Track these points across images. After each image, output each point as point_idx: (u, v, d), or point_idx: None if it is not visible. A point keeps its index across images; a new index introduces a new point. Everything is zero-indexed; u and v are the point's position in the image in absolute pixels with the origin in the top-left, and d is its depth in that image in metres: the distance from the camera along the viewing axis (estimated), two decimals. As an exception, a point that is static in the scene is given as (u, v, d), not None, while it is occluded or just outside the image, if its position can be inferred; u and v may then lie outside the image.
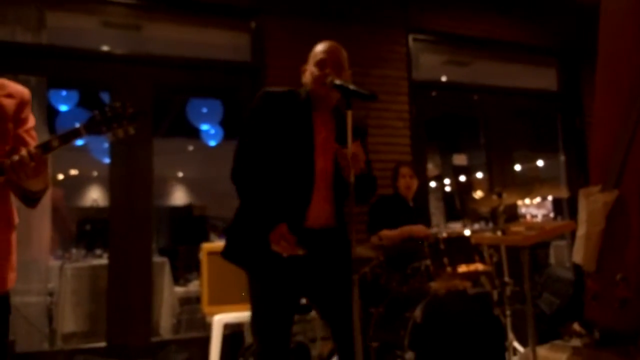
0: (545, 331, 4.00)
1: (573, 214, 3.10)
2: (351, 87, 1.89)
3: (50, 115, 5.29)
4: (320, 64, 2.05)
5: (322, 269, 2.01)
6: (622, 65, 2.82)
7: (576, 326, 3.91)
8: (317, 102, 2.08)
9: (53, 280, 4.90)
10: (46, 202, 3.97)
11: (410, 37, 5.01)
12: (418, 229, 3.59)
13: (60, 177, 9.78)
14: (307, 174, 1.99)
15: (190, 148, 10.72)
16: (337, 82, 1.92)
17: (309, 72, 2.09)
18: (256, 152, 1.99)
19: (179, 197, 12.15)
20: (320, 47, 2.11)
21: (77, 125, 1.74)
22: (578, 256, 2.78)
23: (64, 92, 6.23)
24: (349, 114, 1.83)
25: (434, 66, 5.91)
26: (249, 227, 1.98)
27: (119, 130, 1.80)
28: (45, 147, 1.70)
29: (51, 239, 4.19)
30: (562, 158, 6.00)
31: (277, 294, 1.99)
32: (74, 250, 5.34)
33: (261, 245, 1.90)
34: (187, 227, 10.62)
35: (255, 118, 2.04)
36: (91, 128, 1.77)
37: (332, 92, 1.99)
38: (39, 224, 3.93)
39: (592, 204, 2.69)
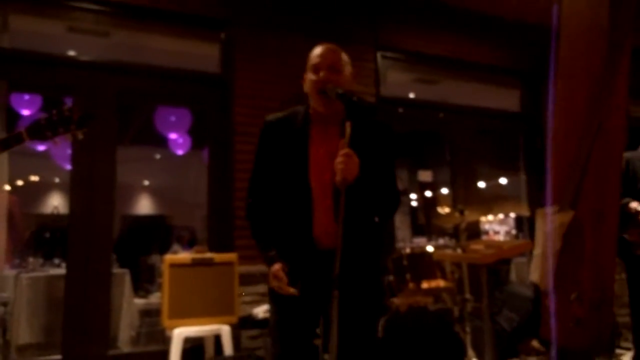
0: (505, 348, 4.05)
1: (533, 231, 3.18)
2: (354, 98, 1.80)
3: (11, 119, 5.16)
4: (314, 68, 1.96)
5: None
6: (577, 89, 2.92)
7: (535, 343, 3.99)
8: (319, 116, 1.99)
9: (8, 290, 4.75)
10: (1, 210, 3.86)
11: (379, 55, 5.08)
12: None
13: (20, 183, 9.50)
14: (304, 195, 1.92)
15: (158, 156, 10.56)
16: (340, 91, 1.82)
17: (307, 79, 1.99)
18: (261, 187, 2.02)
19: (145, 205, 11.94)
20: (315, 51, 2.01)
21: (20, 129, 1.68)
22: (535, 275, 2.84)
23: (26, 96, 6.08)
24: (348, 125, 1.78)
25: (402, 83, 6.00)
26: (265, 260, 1.95)
27: (67, 136, 1.74)
28: None
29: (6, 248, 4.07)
30: (524, 177, 6.15)
31: (295, 316, 1.93)
32: (30, 259, 5.18)
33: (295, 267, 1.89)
34: (151, 237, 10.45)
35: (258, 152, 2.05)
36: (35, 133, 1.70)
37: (334, 101, 1.85)
38: (-7, 232, 3.82)
39: (549, 224, 2.76)
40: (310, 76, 1.97)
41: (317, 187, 1.92)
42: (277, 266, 1.86)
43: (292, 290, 1.83)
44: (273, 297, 1.97)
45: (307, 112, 2.03)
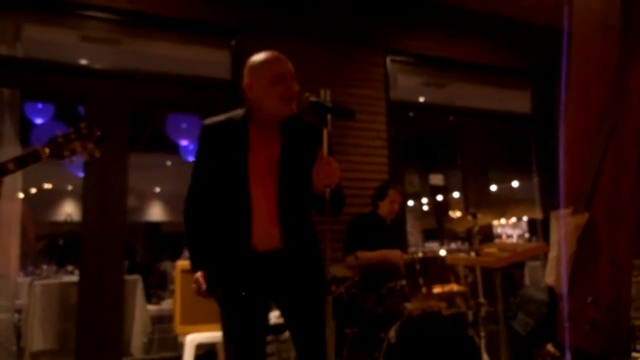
0: (520, 352, 4.01)
1: (547, 234, 3.15)
2: (328, 104, 1.86)
3: (25, 128, 5.22)
4: (279, 78, 1.96)
5: (282, 290, 1.99)
6: (591, 90, 2.89)
7: (550, 347, 3.94)
8: (262, 123, 2.00)
9: (22, 296, 4.78)
10: (14, 216, 3.89)
11: (388, 59, 5.07)
12: (394, 254, 3.58)
13: (33, 190, 9.59)
14: (243, 202, 1.94)
15: (169, 163, 10.62)
16: (313, 99, 1.86)
17: (264, 88, 1.97)
18: (201, 191, 2.04)
19: (156, 212, 12.00)
20: (268, 60, 2.01)
21: (38, 147, 1.68)
22: (550, 278, 2.81)
23: (39, 105, 6.15)
24: (325, 131, 1.81)
25: (412, 87, 5.99)
26: (192, 255, 2.01)
27: (84, 154, 1.75)
28: None
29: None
30: (536, 179, 6.10)
31: (240, 318, 1.96)
32: (44, 267, 5.22)
33: (216, 275, 1.95)
34: (163, 244, 10.49)
35: (198, 154, 2.06)
36: (53, 151, 1.71)
37: (304, 108, 1.91)
38: (7, 239, 3.84)
39: (564, 226, 2.73)
40: (272, 85, 1.96)
41: (257, 192, 1.95)
42: (199, 274, 1.94)
43: (209, 297, 1.94)
44: (218, 298, 2.01)
45: (245, 117, 2.03)
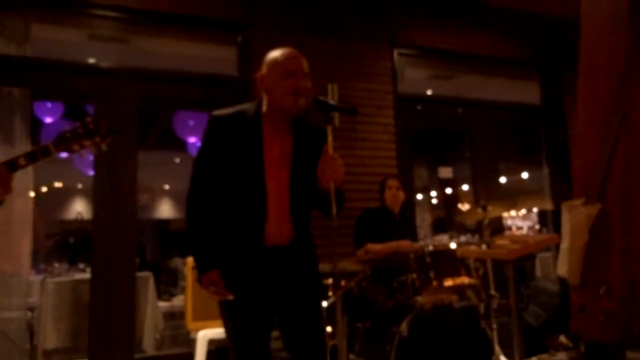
0: (532, 344, 3.99)
1: (557, 226, 3.12)
2: (331, 102, 1.90)
3: (35, 127, 5.25)
4: (288, 72, 1.96)
5: (285, 286, 1.97)
6: (602, 79, 2.86)
7: (563, 339, 3.92)
8: (273, 117, 2.01)
9: (34, 295, 4.82)
10: (27, 215, 3.92)
11: (395, 52, 5.05)
12: (404, 244, 3.58)
13: (44, 189, 9.66)
14: (259, 195, 1.93)
15: (177, 160, 10.66)
16: (320, 97, 1.91)
17: (274, 81, 1.97)
18: (206, 183, 1.99)
19: (166, 209, 12.05)
20: (282, 55, 2.01)
21: (47, 142, 1.70)
22: (562, 269, 2.78)
23: (48, 104, 6.18)
24: (329, 129, 1.85)
25: (419, 80, 5.97)
26: (201, 254, 1.96)
27: (92, 148, 1.76)
28: (11, 165, 1.64)
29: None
30: (546, 170, 6.06)
31: (247, 312, 1.94)
32: (56, 264, 5.26)
33: (223, 269, 1.91)
34: (173, 240, 10.54)
35: (206, 145, 2.02)
36: (61, 146, 1.72)
37: (308, 106, 1.94)
38: (18, 238, 3.87)
39: (575, 217, 2.70)
40: (281, 79, 1.96)
41: (272, 185, 1.95)
42: (216, 272, 1.88)
43: (229, 295, 1.88)
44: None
45: (258, 111, 2.02)
